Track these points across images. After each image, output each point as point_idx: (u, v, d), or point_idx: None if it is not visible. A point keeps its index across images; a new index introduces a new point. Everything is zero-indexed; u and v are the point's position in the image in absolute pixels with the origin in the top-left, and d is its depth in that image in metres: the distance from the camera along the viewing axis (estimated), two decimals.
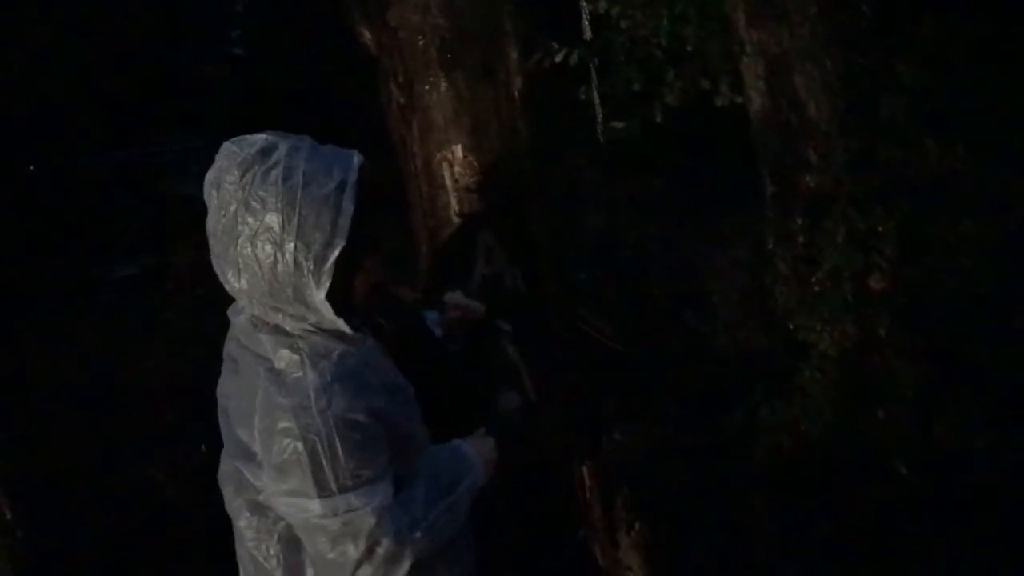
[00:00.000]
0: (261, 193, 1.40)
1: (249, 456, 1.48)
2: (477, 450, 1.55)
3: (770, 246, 3.83)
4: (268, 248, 1.40)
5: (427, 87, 1.83)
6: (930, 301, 3.68)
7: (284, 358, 1.44)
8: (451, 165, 1.85)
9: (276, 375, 1.44)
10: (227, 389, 1.55)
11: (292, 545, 1.50)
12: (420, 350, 1.66)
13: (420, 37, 1.81)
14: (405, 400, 1.53)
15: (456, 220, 1.86)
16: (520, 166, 1.85)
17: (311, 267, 1.40)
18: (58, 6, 6.05)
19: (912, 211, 3.63)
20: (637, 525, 1.84)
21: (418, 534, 1.46)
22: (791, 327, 3.82)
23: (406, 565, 1.46)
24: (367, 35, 1.96)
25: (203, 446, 3.59)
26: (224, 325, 1.54)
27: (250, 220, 1.40)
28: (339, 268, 1.41)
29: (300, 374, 1.43)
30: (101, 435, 3.53)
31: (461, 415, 1.71)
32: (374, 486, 1.44)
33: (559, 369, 1.89)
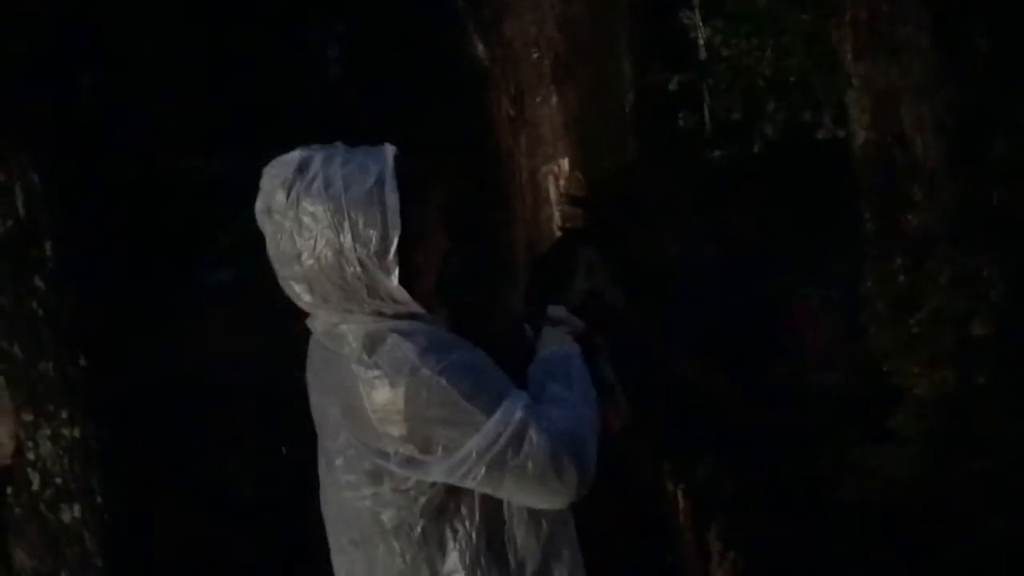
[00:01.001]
0: (309, 208, 1.44)
1: (376, 454, 1.47)
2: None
3: (868, 284, 3.73)
4: (330, 257, 1.44)
5: (538, 100, 1.82)
6: None
7: (373, 341, 1.46)
8: (557, 178, 1.84)
9: (369, 360, 1.45)
10: (318, 402, 1.57)
11: (434, 516, 1.48)
12: (520, 362, 1.65)
13: (535, 50, 1.80)
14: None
15: (558, 234, 1.84)
16: (626, 183, 1.82)
17: (376, 263, 1.44)
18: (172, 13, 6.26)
19: (1021, 255, 3.50)
20: (732, 555, 1.79)
21: (580, 410, 1.47)
22: (885, 370, 3.71)
23: (592, 443, 1.46)
24: (480, 47, 1.96)
25: (283, 449, 3.64)
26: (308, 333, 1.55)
27: (306, 235, 1.44)
28: (404, 257, 1.45)
29: (393, 349, 1.45)
30: (186, 435, 3.59)
31: None
32: (512, 397, 1.45)
33: (655, 392, 1.85)
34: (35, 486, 3.19)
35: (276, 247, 1.48)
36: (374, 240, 1.43)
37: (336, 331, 1.50)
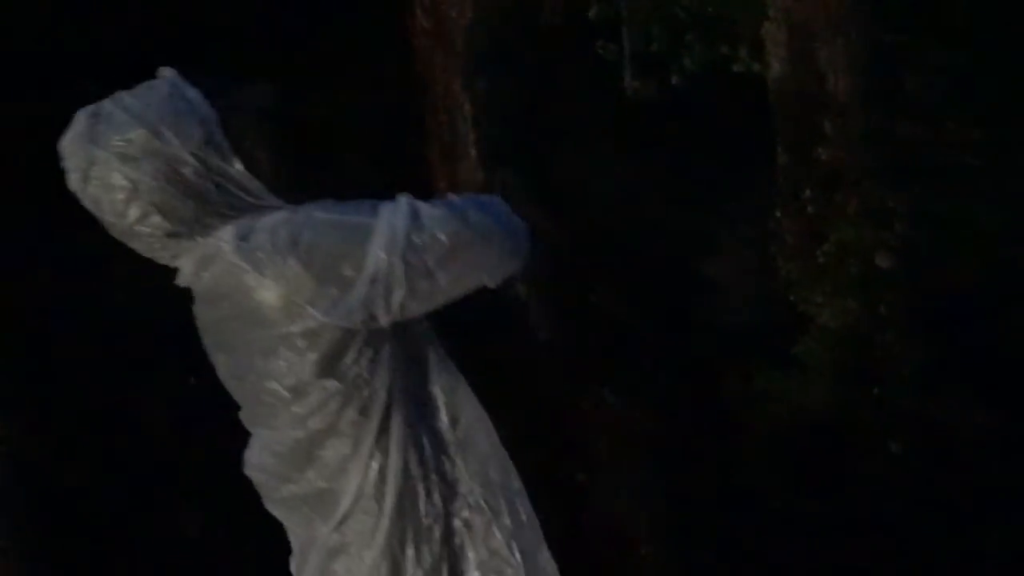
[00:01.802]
0: (121, 139, 1.41)
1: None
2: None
3: (778, 216, 3.80)
4: (165, 168, 1.41)
5: (454, 14, 1.79)
6: (936, 282, 3.66)
7: (243, 230, 1.43)
8: (473, 95, 1.81)
9: (247, 244, 1.42)
10: (225, 360, 1.53)
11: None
12: None
13: None
14: None
15: (473, 154, 1.82)
16: (542, 104, 1.81)
17: (209, 152, 1.41)
18: None
19: (925, 191, 3.60)
20: (641, 476, 1.83)
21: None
22: (792, 300, 3.81)
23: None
24: None
25: (192, 379, 3.57)
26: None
27: (131, 166, 1.41)
28: (236, 146, 1.42)
29: (264, 225, 1.43)
30: (98, 375, 3.49)
31: (469, 343, 1.69)
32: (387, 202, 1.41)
33: (569, 315, 1.86)
34: None
35: (111, 205, 1.43)
36: (196, 133, 1.41)
37: (207, 253, 1.46)
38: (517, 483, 1.56)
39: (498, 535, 1.50)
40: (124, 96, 1.44)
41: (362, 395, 1.44)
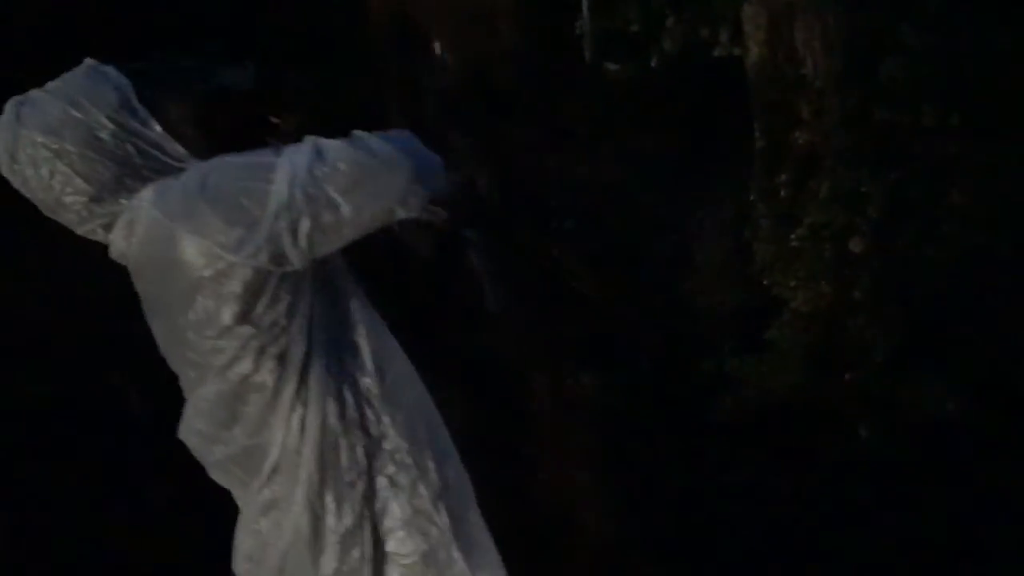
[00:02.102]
0: (40, 117, 1.46)
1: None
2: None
3: (752, 198, 3.79)
4: (84, 133, 1.45)
5: None
6: (909, 268, 3.66)
7: (159, 189, 1.46)
8: (430, 65, 1.79)
9: (162, 199, 1.45)
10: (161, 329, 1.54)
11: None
12: (386, 257, 1.62)
13: None
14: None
15: (430, 123, 1.80)
16: (500, 74, 1.78)
17: (126, 116, 1.45)
18: None
19: (900, 176, 3.59)
20: (592, 454, 1.81)
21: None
22: (765, 283, 3.80)
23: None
24: None
25: None
26: None
27: (53, 139, 1.45)
28: (153, 108, 1.47)
29: (175, 180, 1.46)
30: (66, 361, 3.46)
31: (428, 321, 1.68)
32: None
33: (524, 285, 1.84)
34: None
35: (38, 180, 1.46)
36: (112, 98, 1.45)
37: (131, 217, 1.48)
38: (446, 442, 1.54)
39: (424, 493, 1.48)
40: (47, 84, 1.49)
41: (279, 343, 1.44)
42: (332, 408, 1.46)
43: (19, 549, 3.02)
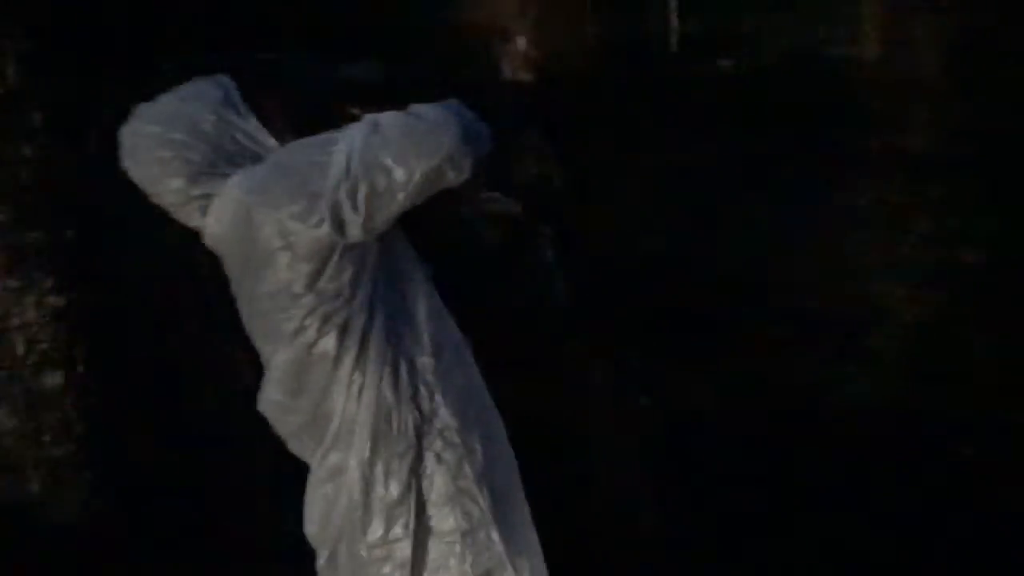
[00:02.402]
0: (156, 111, 1.62)
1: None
2: None
3: (862, 204, 3.68)
4: (187, 123, 1.59)
5: None
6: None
7: (247, 173, 1.58)
8: (511, 58, 1.81)
9: (248, 181, 1.57)
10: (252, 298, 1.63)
11: None
12: (460, 247, 1.66)
13: None
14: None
15: (507, 118, 1.82)
16: (583, 71, 1.79)
17: (228, 112, 1.59)
18: None
19: (1016, 182, 3.43)
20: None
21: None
22: (871, 291, 3.69)
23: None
24: None
25: None
26: None
27: (162, 127, 1.61)
28: (254, 105, 1.60)
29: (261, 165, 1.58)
30: (169, 310, 3.64)
31: (495, 311, 1.70)
32: None
33: (597, 279, 1.85)
34: (19, 351, 3.26)
35: (148, 167, 1.61)
36: (215, 94, 1.60)
37: (222, 202, 1.58)
38: (496, 426, 1.58)
39: (469, 473, 1.52)
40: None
41: (342, 313, 1.52)
42: (388, 380, 1.53)
43: (119, 514, 3.20)
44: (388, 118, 1.52)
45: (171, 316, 3.69)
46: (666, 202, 3.70)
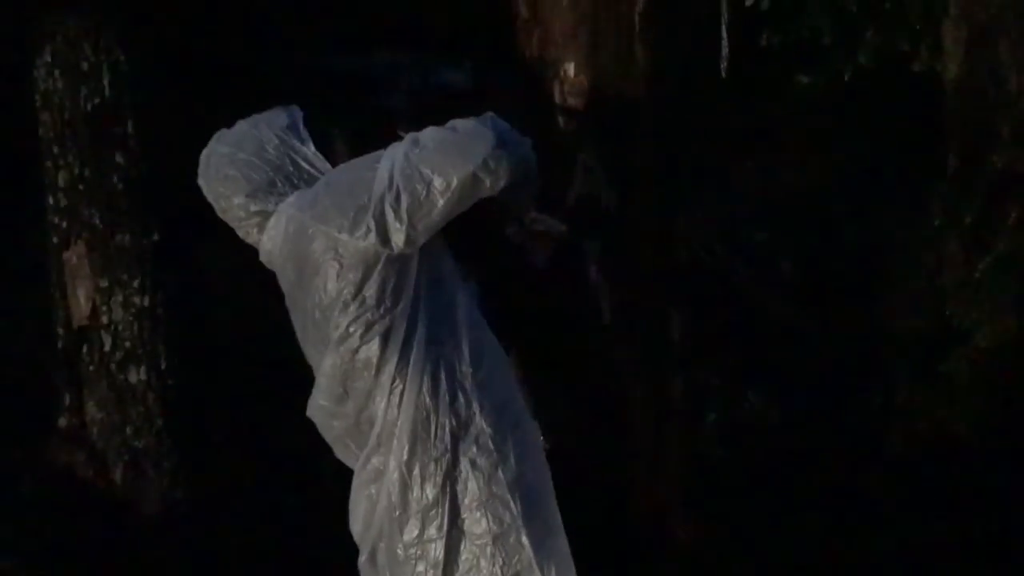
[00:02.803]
0: (230, 135, 1.75)
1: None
2: None
3: (937, 223, 3.61)
4: (253, 144, 1.71)
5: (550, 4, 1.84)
6: None
7: (302, 194, 1.69)
8: (562, 82, 1.86)
9: (301, 200, 1.68)
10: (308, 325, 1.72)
11: None
12: (503, 261, 1.71)
13: None
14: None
15: (560, 141, 1.88)
16: (631, 92, 1.83)
17: (291, 135, 1.70)
18: None
19: None
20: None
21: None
22: (948, 313, 3.61)
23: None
24: None
25: None
26: None
27: (231, 148, 1.73)
28: (311, 130, 1.70)
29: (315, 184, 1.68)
30: (250, 315, 3.78)
31: (538, 329, 1.75)
32: None
33: (644, 298, 1.88)
34: (107, 347, 3.44)
35: (217, 183, 1.72)
36: (283, 120, 1.71)
37: (278, 220, 1.68)
38: (531, 437, 1.62)
39: (502, 479, 1.57)
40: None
41: (384, 322, 1.59)
42: (427, 386, 1.59)
43: (196, 505, 3.34)
44: (427, 133, 1.61)
45: (252, 318, 3.84)
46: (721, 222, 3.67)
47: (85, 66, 3.37)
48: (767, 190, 4.92)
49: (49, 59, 3.40)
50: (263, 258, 1.73)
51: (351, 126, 1.76)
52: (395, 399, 1.59)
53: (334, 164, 1.68)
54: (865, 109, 4.74)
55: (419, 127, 1.63)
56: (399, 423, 1.59)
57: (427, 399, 1.59)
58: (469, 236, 1.65)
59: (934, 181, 3.91)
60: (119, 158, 3.41)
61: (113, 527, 3.36)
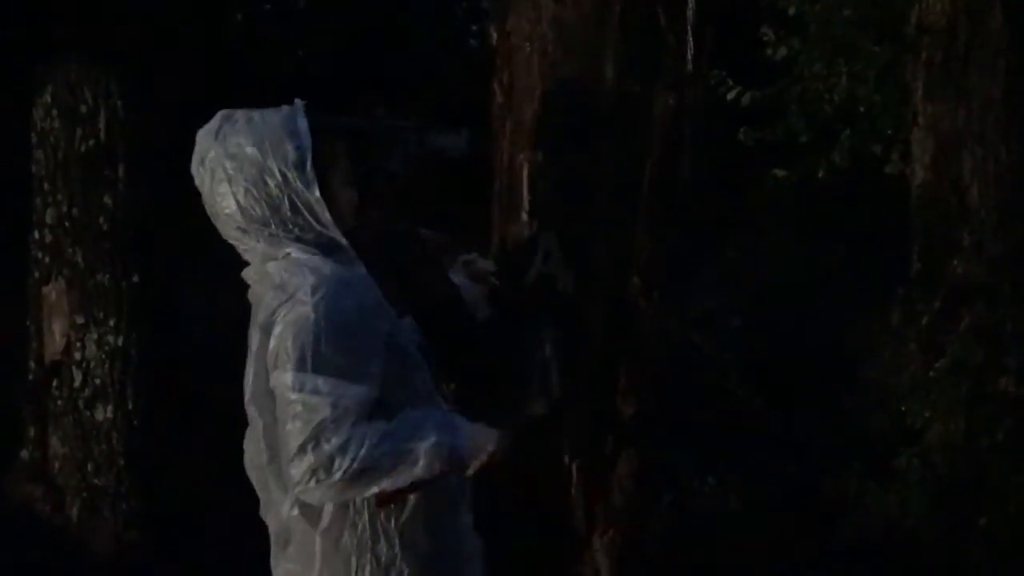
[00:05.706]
0: (234, 140, 1.64)
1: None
2: (474, 431, 1.59)
3: (895, 323, 3.72)
4: (255, 173, 1.63)
5: (524, 90, 1.95)
6: None
7: (286, 272, 1.64)
8: (531, 168, 1.96)
9: (281, 289, 1.63)
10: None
11: None
12: (446, 310, 1.78)
13: (527, 44, 1.93)
14: (410, 338, 1.68)
15: (525, 219, 1.97)
16: (590, 189, 1.95)
17: (295, 174, 1.62)
18: None
19: None
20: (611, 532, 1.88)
21: (360, 453, 1.52)
22: (903, 409, 3.70)
23: (336, 478, 1.52)
24: (493, 36, 2.10)
25: None
26: None
27: (232, 164, 1.64)
28: (320, 178, 1.63)
29: (300, 279, 1.62)
30: (221, 358, 3.83)
31: (480, 384, 1.81)
32: (348, 385, 1.54)
33: (593, 376, 1.96)
34: (76, 383, 3.48)
35: (210, 187, 1.66)
36: (290, 155, 1.63)
37: (259, 268, 1.68)
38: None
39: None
40: (254, 112, 1.69)
41: None
42: (347, 525, 1.62)
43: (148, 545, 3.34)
44: (336, 421, 1.54)
45: (225, 364, 3.89)
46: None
47: (84, 109, 3.48)
48: (744, 277, 5.05)
49: (49, 99, 3.51)
50: (244, 274, 1.72)
51: (351, 127, 1.75)
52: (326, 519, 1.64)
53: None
54: (839, 206, 4.89)
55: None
56: (316, 551, 1.65)
57: (347, 537, 1.63)
58: (415, 290, 1.71)
59: (898, 281, 4.04)
60: (107, 200, 3.50)
61: (65, 562, 3.37)
